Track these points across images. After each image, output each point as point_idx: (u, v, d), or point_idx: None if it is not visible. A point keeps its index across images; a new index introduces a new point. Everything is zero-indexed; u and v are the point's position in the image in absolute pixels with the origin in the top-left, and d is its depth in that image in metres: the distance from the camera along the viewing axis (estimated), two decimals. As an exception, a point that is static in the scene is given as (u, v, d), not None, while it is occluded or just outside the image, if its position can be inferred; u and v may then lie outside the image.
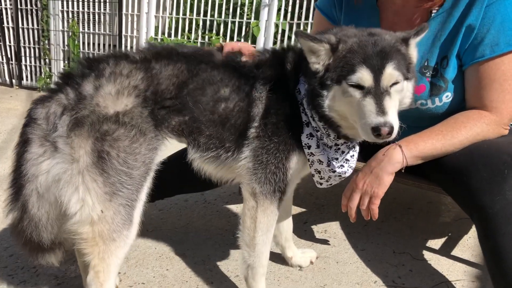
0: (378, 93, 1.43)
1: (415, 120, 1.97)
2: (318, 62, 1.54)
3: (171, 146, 1.74)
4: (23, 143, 1.55)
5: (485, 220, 1.59)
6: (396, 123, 1.43)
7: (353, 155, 1.77)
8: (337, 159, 1.70)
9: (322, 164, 1.69)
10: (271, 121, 1.65)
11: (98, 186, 1.51)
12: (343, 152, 1.70)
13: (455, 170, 1.75)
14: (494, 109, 1.75)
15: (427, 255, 2.22)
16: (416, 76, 1.60)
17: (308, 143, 1.66)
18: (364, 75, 1.44)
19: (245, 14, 5.02)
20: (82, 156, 1.50)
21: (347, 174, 1.76)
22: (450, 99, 1.87)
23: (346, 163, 1.74)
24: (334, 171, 1.71)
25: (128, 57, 1.65)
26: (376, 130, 1.40)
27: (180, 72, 1.64)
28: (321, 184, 1.80)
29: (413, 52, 1.59)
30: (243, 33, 5.05)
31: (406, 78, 1.51)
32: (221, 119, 1.65)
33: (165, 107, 1.63)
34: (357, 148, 1.78)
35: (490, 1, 1.73)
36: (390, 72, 1.45)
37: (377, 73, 1.44)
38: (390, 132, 1.40)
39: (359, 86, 1.46)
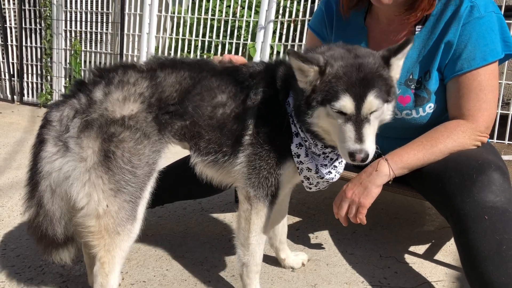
0: (358, 121, 1.54)
1: (401, 131, 2.13)
2: (306, 81, 1.62)
3: (171, 156, 1.87)
4: (39, 143, 1.69)
5: (458, 220, 1.73)
6: (371, 150, 1.55)
7: (341, 161, 1.88)
8: (325, 165, 1.81)
9: (310, 171, 1.80)
10: (263, 129, 1.76)
11: (104, 183, 1.64)
12: (331, 159, 1.81)
13: (431, 177, 1.89)
14: (471, 117, 1.89)
15: (411, 259, 2.35)
16: (396, 95, 1.70)
17: (297, 152, 1.77)
18: (346, 104, 1.53)
19: (242, 36, 5.24)
20: (90, 155, 1.63)
21: (335, 179, 1.87)
22: (433, 109, 2.03)
23: (334, 169, 1.85)
24: (322, 178, 1.83)
25: (135, 67, 1.81)
26: (352, 155, 1.54)
27: (183, 80, 1.78)
28: (310, 188, 1.92)
29: (395, 71, 1.67)
30: (240, 53, 5.26)
31: (387, 101, 1.60)
32: (219, 124, 1.77)
33: (169, 112, 1.76)
34: None
35: (466, 20, 1.89)
36: (371, 101, 1.54)
37: (359, 102, 1.53)
38: (364, 159, 1.54)
39: (341, 112, 1.56)
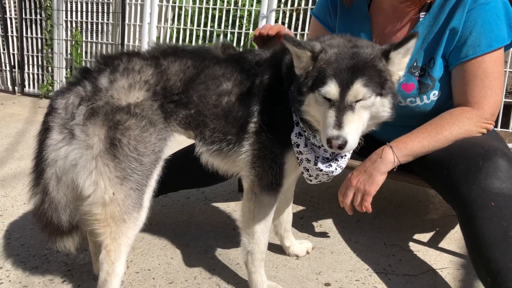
0: (341, 107, 1.50)
1: (405, 119, 2.11)
2: (301, 67, 1.62)
3: (174, 144, 1.85)
4: (45, 131, 1.69)
5: (464, 207, 1.72)
6: (350, 137, 1.49)
7: (344, 155, 1.84)
8: (327, 158, 1.79)
9: (309, 162, 1.77)
10: (267, 118, 1.75)
11: (110, 171, 1.64)
12: (333, 152, 1.78)
13: (437, 165, 1.88)
14: (476, 104, 1.88)
15: (416, 247, 2.35)
16: (395, 92, 1.65)
17: (297, 142, 1.74)
18: (331, 89, 1.51)
19: (244, 26, 5.20)
20: (96, 143, 1.63)
21: (335, 173, 1.83)
22: (437, 97, 2.02)
23: (335, 162, 1.81)
24: (321, 170, 1.79)
25: (140, 54, 1.80)
26: (329, 142, 1.49)
27: (186, 68, 1.77)
28: (310, 180, 1.89)
29: (395, 67, 1.62)
30: (242, 43, 5.23)
31: (380, 94, 1.56)
32: (224, 112, 1.76)
33: (173, 101, 1.75)
34: None
35: (471, 6, 1.87)
36: (357, 88, 1.50)
37: (344, 88, 1.50)
38: (341, 146, 1.48)
39: (327, 98, 1.53)
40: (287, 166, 1.81)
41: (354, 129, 1.52)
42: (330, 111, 1.52)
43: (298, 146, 1.75)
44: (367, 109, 1.56)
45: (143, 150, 1.69)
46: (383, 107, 1.61)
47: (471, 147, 1.82)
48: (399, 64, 1.62)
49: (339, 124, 1.49)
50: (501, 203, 1.66)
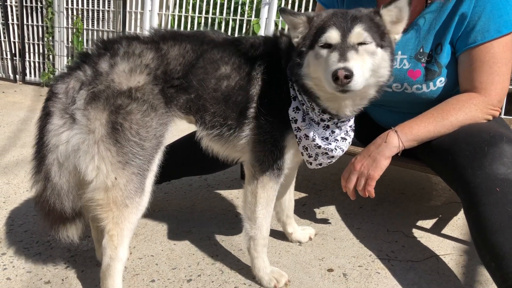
0: (343, 47, 1.51)
1: (411, 106, 2.10)
2: (298, 35, 1.66)
3: (176, 132, 1.84)
4: (45, 116, 1.67)
5: (468, 192, 1.72)
6: (357, 72, 1.47)
7: (345, 139, 1.83)
8: (327, 138, 1.77)
9: (308, 139, 1.75)
10: (266, 101, 1.75)
11: (112, 155, 1.62)
12: (333, 131, 1.77)
13: (442, 150, 1.87)
14: (483, 90, 1.87)
15: (418, 233, 2.35)
16: (394, 50, 1.66)
17: (294, 117, 1.73)
18: (331, 34, 1.54)
19: (246, 13, 5.16)
20: (98, 127, 1.61)
21: (335, 153, 1.81)
22: (444, 83, 2.00)
23: (335, 142, 1.79)
24: (320, 147, 1.77)
25: (139, 38, 1.78)
26: (334, 75, 1.46)
27: (185, 52, 1.76)
28: (310, 163, 1.87)
29: (389, 26, 1.65)
30: (244, 30, 5.19)
31: (380, 46, 1.58)
32: (223, 96, 1.75)
33: (174, 86, 1.74)
34: (351, 133, 1.85)
35: None
36: (358, 31, 1.53)
37: (345, 32, 1.53)
38: (347, 76, 1.44)
39: (328, 46, 1.55)
40: (287, 150, 1.81)
41: (359, 65, 1.51)
42: (332, 53, 1.53)
43: (296, 121, 1.74)
44: (370, 56, 1.55)
45: (144, 135, 1.67)
46: (384, 61, 1.61)
47: (476, 132, 1.81)
48: (393, 27, 1.64)
49: (344, 58, 1.48)
50: (506, 188, 1.65)
